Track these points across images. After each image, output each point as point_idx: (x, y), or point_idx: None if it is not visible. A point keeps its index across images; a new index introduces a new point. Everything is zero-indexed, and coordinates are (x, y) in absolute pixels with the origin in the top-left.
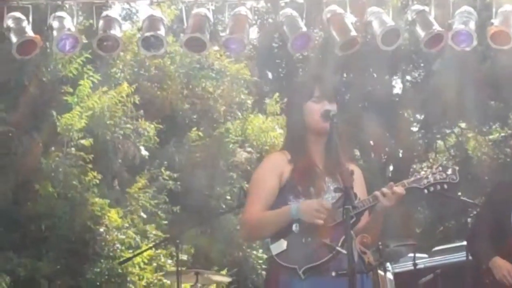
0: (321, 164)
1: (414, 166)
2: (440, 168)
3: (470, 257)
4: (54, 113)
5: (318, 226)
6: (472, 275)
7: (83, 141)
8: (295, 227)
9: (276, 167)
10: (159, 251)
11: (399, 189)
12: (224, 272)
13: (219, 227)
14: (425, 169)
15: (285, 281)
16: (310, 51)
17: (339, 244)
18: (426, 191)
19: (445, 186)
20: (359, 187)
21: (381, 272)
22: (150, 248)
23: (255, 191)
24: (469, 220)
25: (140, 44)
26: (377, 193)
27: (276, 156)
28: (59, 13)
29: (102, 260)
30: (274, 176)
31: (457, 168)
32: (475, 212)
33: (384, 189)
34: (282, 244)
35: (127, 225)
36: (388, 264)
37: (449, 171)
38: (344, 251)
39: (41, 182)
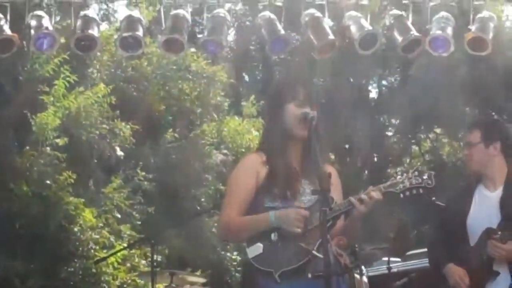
0: (298, 166)
1: (389, 171)
2: (416, 173)
3: None
4: (29, 113)
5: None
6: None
7: (58, 141)
8: (273, 236)
9: (252, 168)
10: (133, 251)
11: (376, 194)
12: (198, 273)
13: (194, 229)
14: (400, 173)
15: (261, 284)
16: (287, 55)
17: (315, 248)
18: (401, 195)
19: (421, 191)
20: (335, 190)
21: (357, 276)
22: (125, 248)
23: (232, 192)
24: None
25: (118, 44)
26: (352, 199)
27: (252, 158)
28: (37, 12)
29: (76, 260)
30: (250, 177)
31: (433, 173)
32: None
33: (362, 195)
34: (258, 248)
35: (101, 225)
36: (362, 267)
37: (425, 176)
38: (320, 255)
39: (16, 181)
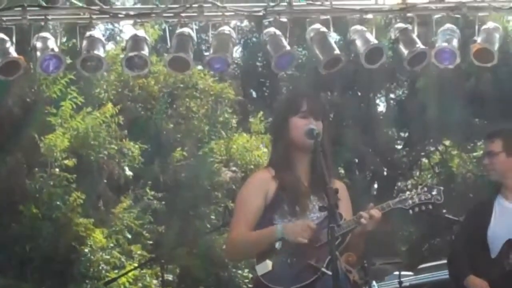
0: (307, 182)
1: (399, 184)
2: (425, 189)
3: None
4: (36, 134)
5: (304, 246)
6: None
7: (67, 162)
8: (278, 245)
9: (261, 186)
10: (144, 271)
11: (375, 212)
12: None
13: (204, 247)
14: (409, 187)
15: None
16: (294, 70)
17: (325, 265)
18: (411, 211)
19: (430, 207)
20: (344, 205)
21: None
22: (135, 268)
23: (240, 211)
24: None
25: (124, 64)
26: (357, 216)
27: (261, 175)
28: (42, 34)
29: (87, 281)
30: (259, 195)
31: (442, 188)
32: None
33: (363, 213)
34: (268, 265)
35: (112, 245)
36: (374, 283)
37: (434, 192)
38: (329, 272)
39: (25, 203)
